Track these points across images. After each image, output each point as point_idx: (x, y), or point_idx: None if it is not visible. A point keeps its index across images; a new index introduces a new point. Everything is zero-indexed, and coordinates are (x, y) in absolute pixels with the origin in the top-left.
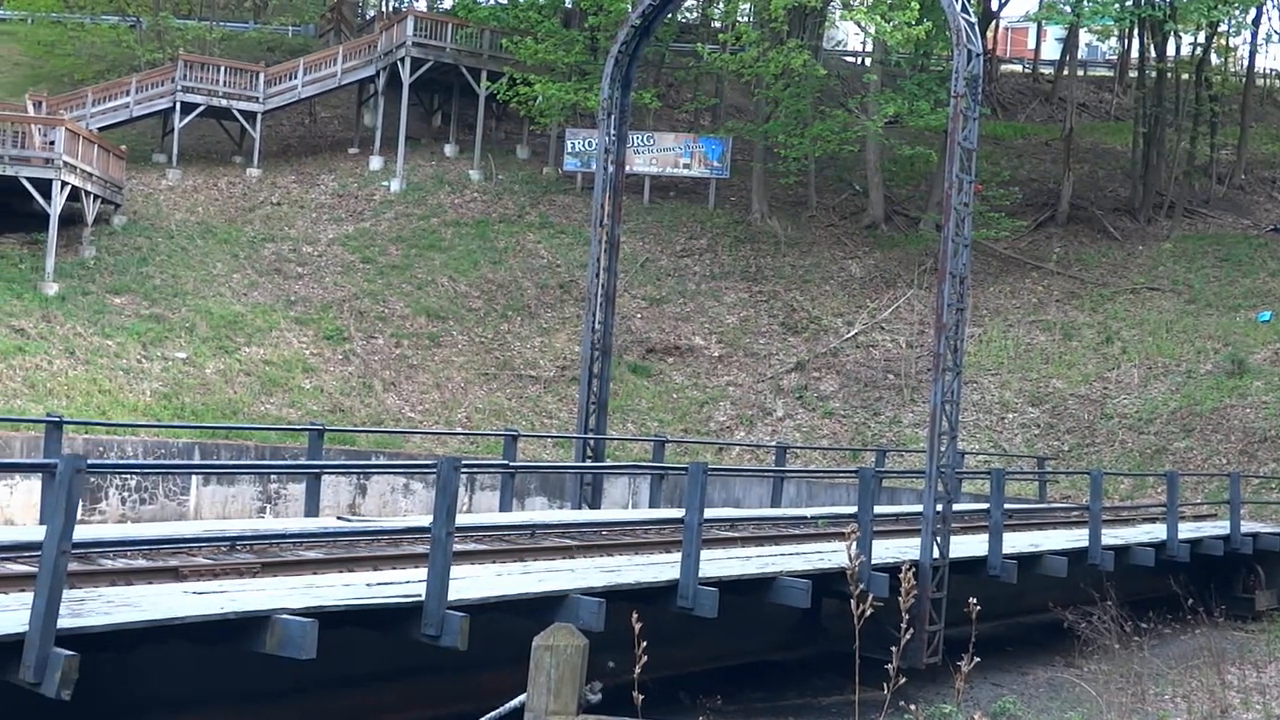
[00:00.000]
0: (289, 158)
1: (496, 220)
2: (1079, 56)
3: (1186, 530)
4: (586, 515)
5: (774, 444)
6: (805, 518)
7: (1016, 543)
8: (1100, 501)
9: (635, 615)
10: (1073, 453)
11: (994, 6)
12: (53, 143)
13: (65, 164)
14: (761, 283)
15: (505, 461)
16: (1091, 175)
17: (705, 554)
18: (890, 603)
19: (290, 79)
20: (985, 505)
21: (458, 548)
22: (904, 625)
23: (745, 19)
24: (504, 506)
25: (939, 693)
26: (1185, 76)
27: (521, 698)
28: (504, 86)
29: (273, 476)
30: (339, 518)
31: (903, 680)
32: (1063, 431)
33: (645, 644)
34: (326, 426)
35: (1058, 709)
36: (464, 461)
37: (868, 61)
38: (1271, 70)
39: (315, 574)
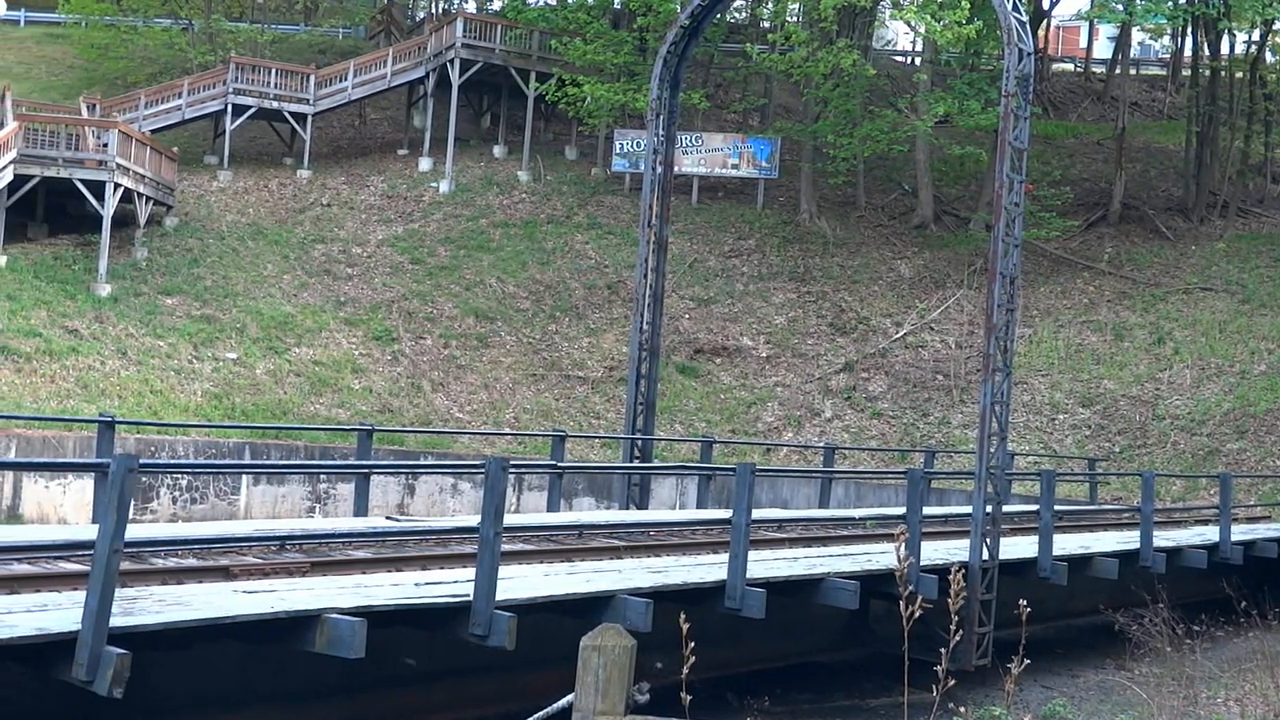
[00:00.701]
0: (339, 159)
1: (545, 221)
2: (1131, 55)
3: (1239, 532)
4: (634, 516)
5: (822, 445)
6: (853, 519)
7: (1067, 544)
8: (1152, 503)
9: (683, 616)
10: (1124, 454)
11: (1045, 5)
12: (106, 145)
13: (118, 166)
14: (810, 283)
15: (553, 462)
16: (1144, 174)
17: (753, 555)
18: (939, 604)
19: (340, 81)
20: (1035, 507)
21: (505, 548)
22: (953, 627)
23: (794, 19)
24: (552, 507)
25: (988, 695)
26: (1239, 75)
27: (569, 698)
28: (553, 87)
29: (322, 476)
30: (388, 517)
31: (952, 682)
32: (1114, 433)
33: (693, 644)
34: (375, 427)
35: (1108, 712)
36: (512, 462)
37: (917, 61)
38: None
39: (364, 573)
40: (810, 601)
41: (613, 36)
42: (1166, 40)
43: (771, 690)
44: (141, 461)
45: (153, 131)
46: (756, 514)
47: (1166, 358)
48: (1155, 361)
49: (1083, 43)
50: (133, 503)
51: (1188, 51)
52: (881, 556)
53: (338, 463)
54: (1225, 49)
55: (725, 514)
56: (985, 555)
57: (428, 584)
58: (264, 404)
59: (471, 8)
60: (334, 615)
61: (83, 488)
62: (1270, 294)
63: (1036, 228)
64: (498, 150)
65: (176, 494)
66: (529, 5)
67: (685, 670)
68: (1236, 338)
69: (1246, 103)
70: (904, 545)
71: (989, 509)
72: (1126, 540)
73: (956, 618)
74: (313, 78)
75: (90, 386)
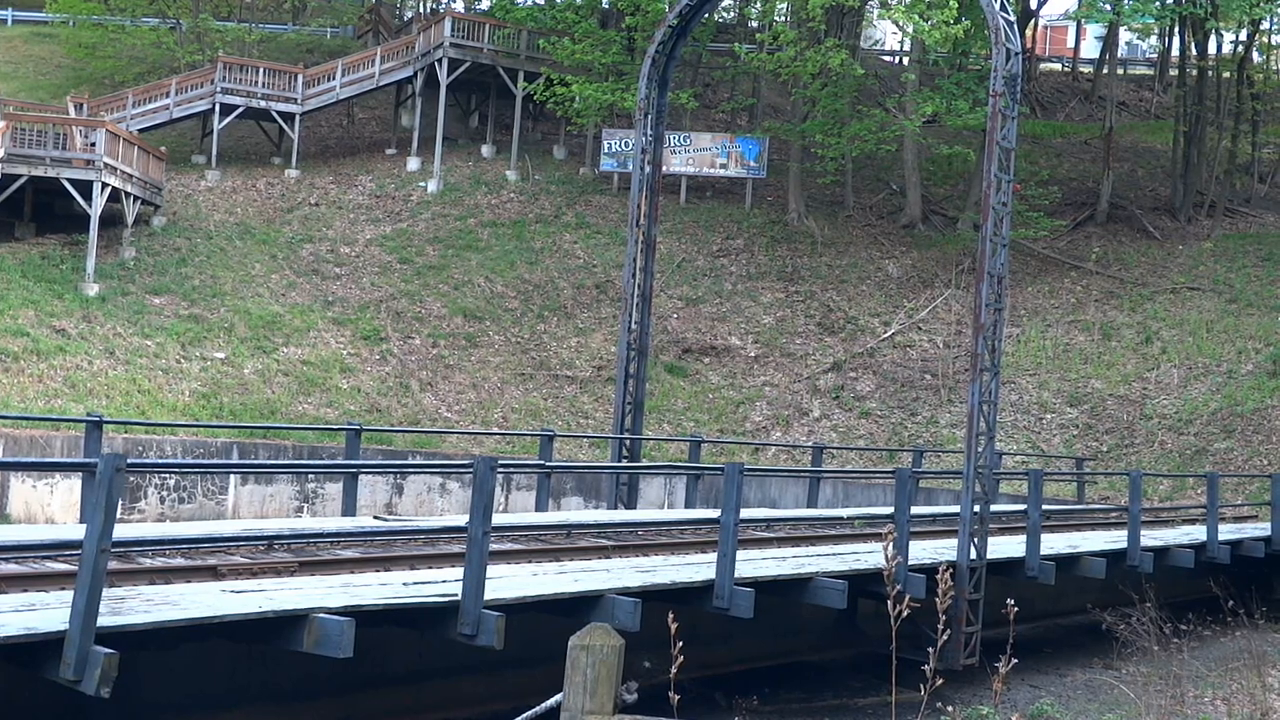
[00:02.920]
0: (327, 159)
1: (533, 220)
2: (1119, 55)
3: (1227, 532)
4: (622, 515)
5: (810, 444)
6: (841, 518)
7: (1055, 544)
8: (1139, 502)
9: (671, 615)
10: (1111, 453)
11: (1033, 5)
12: (94, 144)
13: (106, 165)
14: (798, 283)
15: (541, 461)
16: (1131, 174)
17: (741, 554)
18: (927, 604)
19: (328, 80)
20: (1023, 506)
21: (494, 547)
22: (941, 626)
23: (782, 18)
24: (540, 506)
25: (976, 694)
26: (1226, 74)
27: (558, 697)
28: (541, 87)
29: (310, 476)
30: (376, 517)
31: (939, 682)
32: (1101, 432)
33: (681, 644)
34: (364, 426)
35: (1096, 711)
36: (500, 461)
37: (906, 60)
38: None
39: (352, 573)
40: (798, 601)
41: (601, 36)
42: (1154, 40)
43: (760, 689)
44: (129, 461)
45: (140, 131)
46: (745, 513)
47: (1154, 357)
48: (1143, 361)
49: (1070, 42)
50: (120, 502)
51: (1175, 51)
52: (870, 556)
53: (326, 462)
54: (1212, 49)
55: (713, 513)
56: (973, 555)
57: (416, 583)
58: (252, 403)
59: (459, 7)
60: (322, 615)
61: (70, 487)
62: (1257, 293)
63: (1024, 227)
64: (486, 150)
65: (164, 494)
66: (517, 5)
67: (674, 670)
68: (1224, 337)
69: (1234, 102)
70: (892, 545)
71: (977, 508)
72: (1114, 540)
73: (944, 617)
74: (301, 77)
75: (78, 386)
